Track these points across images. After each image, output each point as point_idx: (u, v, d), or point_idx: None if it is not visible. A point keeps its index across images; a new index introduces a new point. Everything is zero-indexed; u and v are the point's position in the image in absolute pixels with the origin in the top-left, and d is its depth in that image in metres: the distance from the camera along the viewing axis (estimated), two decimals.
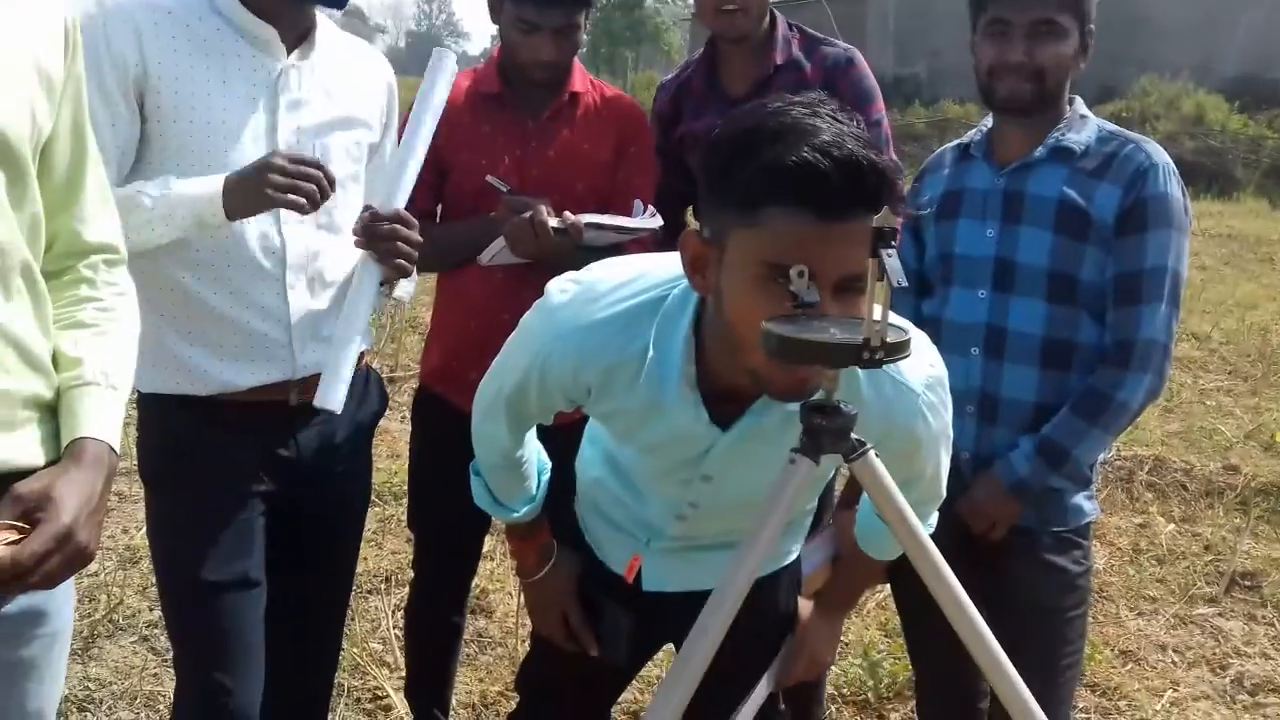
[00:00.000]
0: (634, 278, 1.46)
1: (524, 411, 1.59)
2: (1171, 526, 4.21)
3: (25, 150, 1.23)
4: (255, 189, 1.65)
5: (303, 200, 1.66)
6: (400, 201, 1.85)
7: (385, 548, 3.77)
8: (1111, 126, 2.02)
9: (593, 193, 2.31)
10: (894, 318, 1.41)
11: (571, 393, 1.50)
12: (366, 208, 1.85)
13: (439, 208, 2.38)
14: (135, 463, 1.93)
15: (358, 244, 1.83)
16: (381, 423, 2.21)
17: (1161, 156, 1.95)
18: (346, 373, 1.79)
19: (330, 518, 2.03)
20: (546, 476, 1.82)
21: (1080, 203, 1.92)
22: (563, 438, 1.86)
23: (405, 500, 4.01)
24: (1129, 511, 4.37)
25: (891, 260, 0.98)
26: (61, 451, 1.26)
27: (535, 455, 1.79)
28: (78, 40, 1.34)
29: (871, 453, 1.17)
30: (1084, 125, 2.00)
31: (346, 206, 1.89)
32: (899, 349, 1.03)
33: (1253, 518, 4.24)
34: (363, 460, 2.10)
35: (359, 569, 3.44)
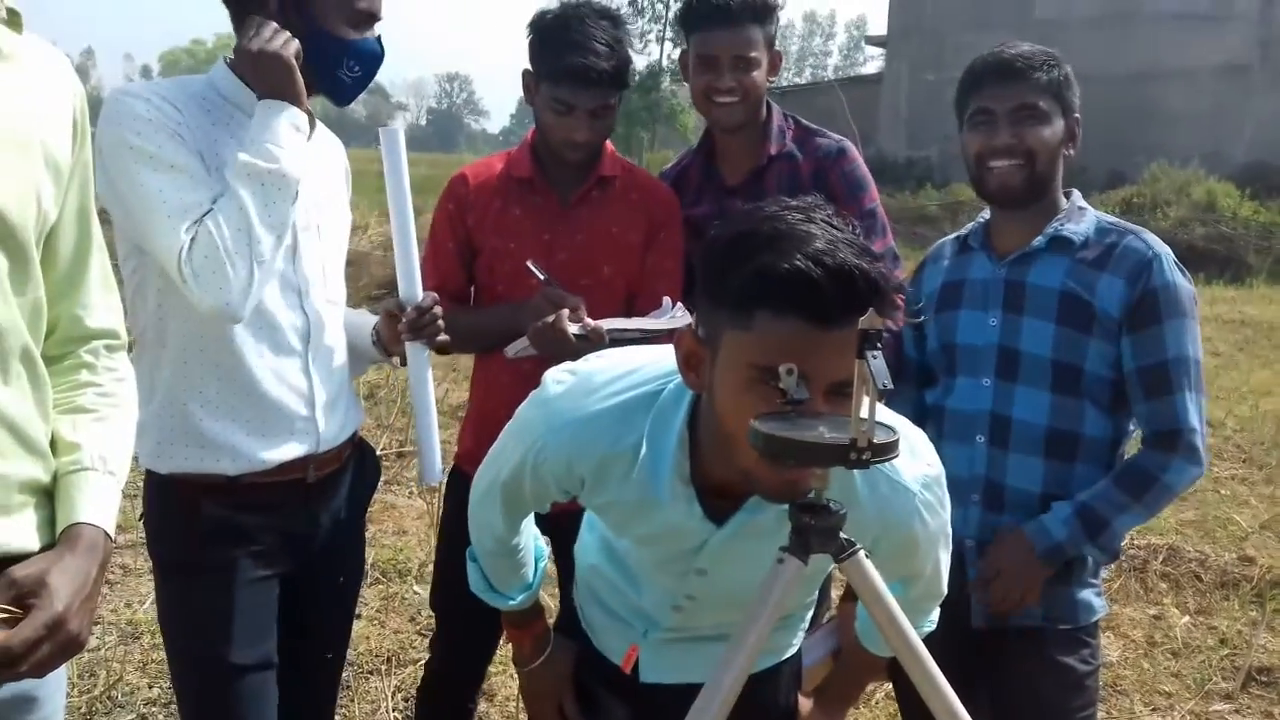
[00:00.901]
0: (630, 370, 1.47)
1: (519, 500, 1.59)
2: (1186, 619, 4.13)
3: (29, 235, 1.25)
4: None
5: None
6: (419, 288, 1.96)
7: (388, 626, 3.73)
8: (1110, 218, 2.04)
9: (621, 276, 2.33)
10: (887, 415, 1.41)
11: (566, 484, 1.50)
12: (400, 306, 1.98)
13: (472, 289, 2.40)
14: (140, 535, 1.93)
15: (406, 338, 1.97)
16: (389, 498, 2.23)
17: (1161, 246, 1.96)
18: (437, 445, 2.04)
19: (331, 592, 2.03)
20: (544, 564, 1.81)
21: (1083, 294, 1.94)
22: (563, 525, 1.86)
23: (410, 577, 4.01)
24: (1143, 602, 4.29)
25: (877, 362, 0.98)
26: (57, 536, 1.26)
27: (532, 542, 1.78)
28: (86, 128, 1.37)
29: (861, 553, 1.16)
30: (1082, 217, 2.02)
31: (340, 280, 1.96)
32: (887, 450, 1.03)
33: (1269, 610, 4.16)
34: (359, 534, 2.12)
35: (360, 648, 3.44)
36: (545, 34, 2.23)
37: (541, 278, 2.20)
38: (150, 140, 1.65)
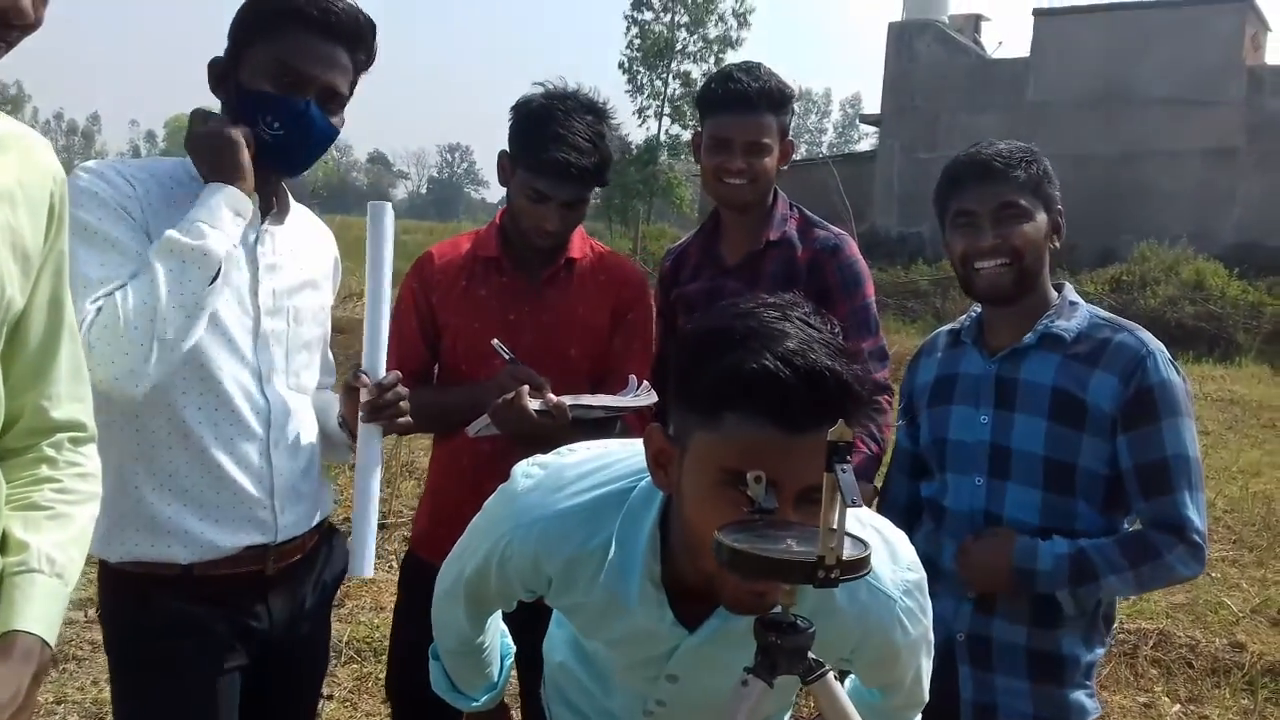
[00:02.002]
0: (602, 466, 1.43)
1: (484, 598, 1.54)
2: (1177, 707, 4.04)
3: None
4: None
5: None
6: (383, 365, 1.88)
7: (360, 709, 3.63)
8: (1103, 314, 2.02)
9: (587, 358, 2.31)
10: (866, 518, 1.36)
11: (531, 583, 1.45)
12: (358, 374, 1.85)
13: (435, 368, 2.38)
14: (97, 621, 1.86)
15: (364, 419, 1.84)
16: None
17: (1155, 344, 1.94)
18: (372, 538, 1.86)
19: (293, 680, 1.97)
20: (510, 662, 1.75)
21: (1075, 391, 1.92)
22: (532, 619, 1.80)
23: (385, 656, 3.92)
24: (1133, 689, 4.21)
25: (846, 476, 0.94)
26: None
27: (498, 640, 1.73)
28: (64, 215, 1.33)
29: (830, 675, 1.11)
30: (1074, 312, 2.00)
31: (311, 368, 1.92)
32: (857, 566, 0.98)
33: (1260, 699, 4.08)
34: (325, 622, 2.06)
35: None
36: (527, 121, 2.22)
37: (507, 357, 2.18)
38: (91, 214, 1.63)
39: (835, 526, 0.96)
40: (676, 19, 30.65)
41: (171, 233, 1.64)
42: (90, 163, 1.76)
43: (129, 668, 1.80)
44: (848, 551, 0.98)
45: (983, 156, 1.98)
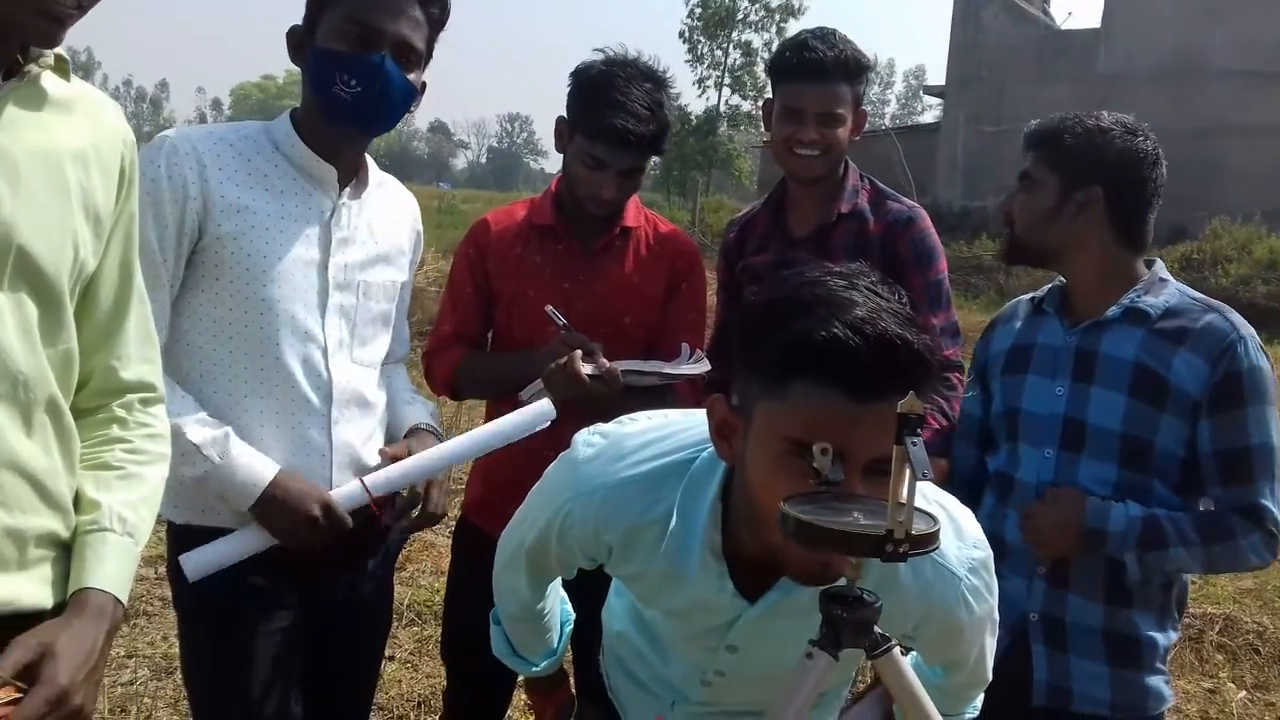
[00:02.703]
0: (663, 436, 1.42)
1: (544, 566, 1.55)
2: (1243, 694, 3.97)
3: (63, 285, 1.23)
4: (278, 522, 1.73)
5: (313, 543, 1.74)
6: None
7: (421, 670, 3.69)
8: (1194, 293, 1.98)
9: (641, 326, 2.31)
10: (931, 494, 1.34)
11: (592, 551, 1.46)
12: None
13: (490, 335, 2.39)
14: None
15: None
16: (429, 536, 2.21)
17: (1247, 329, 1.90)
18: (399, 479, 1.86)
19: (356, 642, 2.01)
20: (569, 629, 1.76)
21: (1157, 368, 1.88)
22: (591, 586, 1.80)
23: (424, 624, 3.97)
24: (1198, 674, 4.14)
25: (917, 449, 0.93)
26: (67, 598, 1.24)
27: (558, 606, 1.74)
28: (134, 178, 1.35)
29: (896, 650, 1.09)
30: (1163, 288, 1.96)
31: (379, 341, 1.93)
32: (926, 541, 0.97)
33: None
34: (387, 585, 2.09)
35: (392, 692, 3.39)
36: (587, 88, 2.21)
37: (560, 323, 2.18)
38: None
39: (905, 500, 0.95)
40: None
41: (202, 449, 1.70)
42: (170, 131, 1.79)
43: (195, 624, 1.84)
44: (917, 526, 0.97)
45: (1033, 125, 2.04)
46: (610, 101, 2.14)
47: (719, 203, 24.22)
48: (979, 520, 1.90)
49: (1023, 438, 2.00)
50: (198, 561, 1.73)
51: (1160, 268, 2.02)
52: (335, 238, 1.82)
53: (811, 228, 2.41)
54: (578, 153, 2.21)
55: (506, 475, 2.25)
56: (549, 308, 2.20)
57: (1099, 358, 1.93)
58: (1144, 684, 1.93)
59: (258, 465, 1.72)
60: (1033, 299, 2.12)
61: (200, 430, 1.69)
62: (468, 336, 2.33)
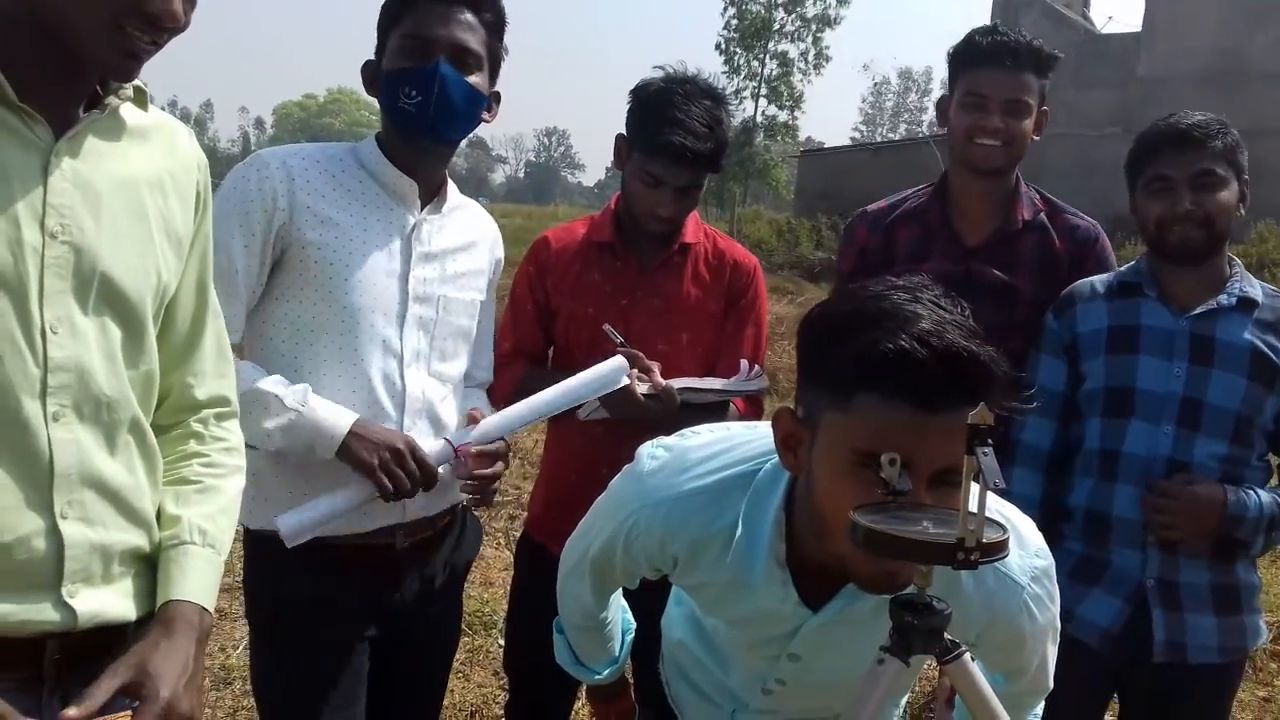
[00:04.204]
0: (727, 449, 1.44)
1: (608, 576, 1.57)
2: None
3: (146, 308, 1.28)
4: (367, 457, 1.74)
5: (390, 489, 1.75)
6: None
7: (473, 680, 3.72)
8: (1269, 285, 2.16)
9: (699, 343, 2.30)
10: (996, 505, 1.35)
11: (657, 562, 1.48)
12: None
13: (550, 351, 2.41)
14: (237, 579, 1.94)
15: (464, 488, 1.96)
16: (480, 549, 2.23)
17: None
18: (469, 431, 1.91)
19: (422, 658, 2.03)
20: (630, 637, 1.78)
21: (1269, 353, 2.05)
22: (651, 596, 1.83)
23: (495, 630, 4.00)
24: (1252, 683, 4.08)
25: (988, 460, 0.94)
26: (155, 612, 1.28)
27: (620, 616, 1.76)
28: (208, 201, 1.40)
29: (967, 655, 1.11)
30: (1250, 280, 2.12)
31: (456, 358, 1.96)
32: (996, 549, 0.98)
33: None
34: (455, 602, 2.12)
35: (445, 701, 3.43)
36: (645, 105, 2.21)
37: (618, 341, 2.19)
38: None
39: (975, 509, 0.96)
40: None
41: (284, 399, 1.74)
42: (263, 150, 1.86)
43: (265, 632, 1.88)
44: (987, 535, 0.98)
45: (1182, 125, 2.08)
46: (668, 118, 2.13)
47: (756, 213, 24.18)
48: (1079, 497, 2.01)
49: (1136, 414, 2.10)
50: (294, 524, 1.74)
51: (1238, 261, 2.16)
52: (416, 251, 1.87)
53: (986, 235, 2.33)
54: (636, 170, 2.21)
55: (567, 492, 2.27)
56: (606, 326, 2.21)
57: (1216, 343, 2.06)
58: (1244, 624, 2.11)
59: (338, 411, 1.76)
60: (1111, 281, 2.19)
61: (278, 385, 1.74)
62: (527, 353, 2.34)
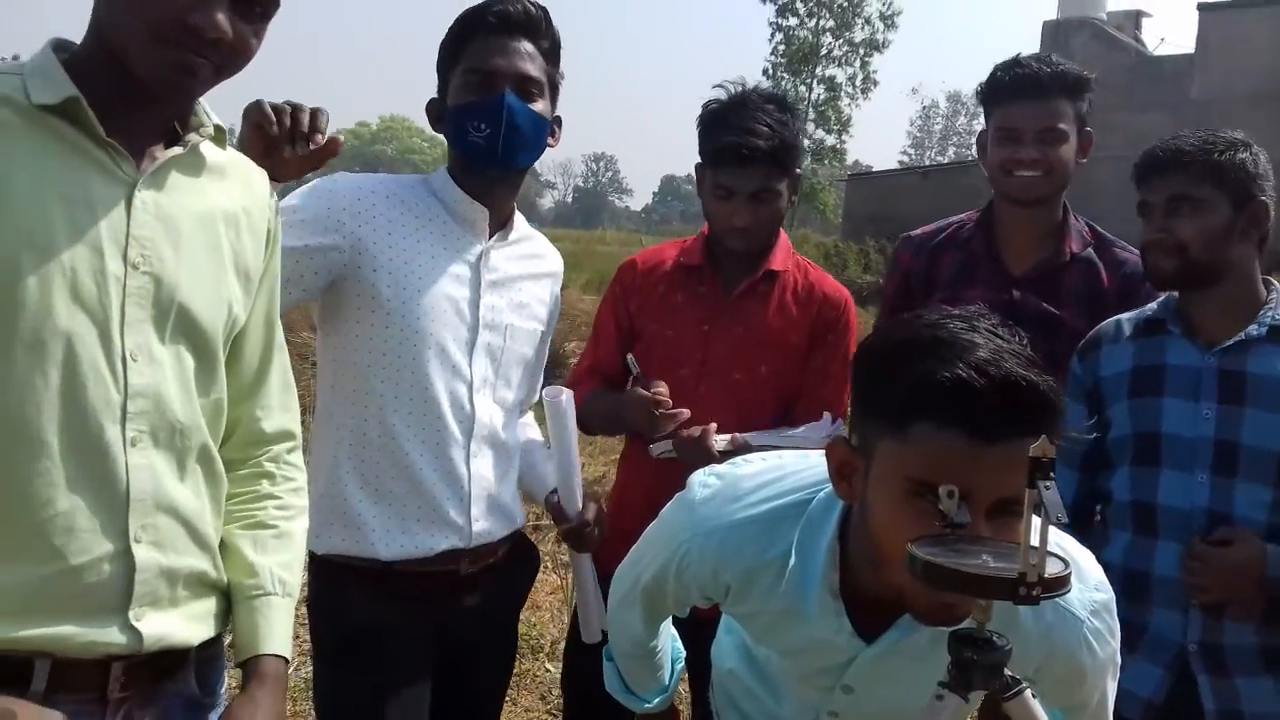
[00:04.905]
0: (779, 478, 1.43)
1: (659, 604, 1.56)
2: None
3: (218, 339, 1.32)
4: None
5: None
6: (578, 502, 2.02)
7: (520, 704, 3.72)
8: None
9: (778, 375, 2.24)
10: (1061, 540, 1.33)
11: (709, 591, 1.47)
12: (558, 507, 2.03)
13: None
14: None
15: (572, 548, 2.06)
16: None
17: None
18: (597, 614, 2.08)
19: (480, 683, 2.03)
20: (680, 666, 1.77)
21: None
22: (699, 626, 1.82)
23: (542, 654, 3.99)
24: None
25: (1050, 493, 0.93)
26: (241, 661, 1.35)
27: (670, 644, 1.75)
28: (278, 238, 1.45)
29: (1028, 692, 1.09)
30: None
31: (518, 386, 1.98)
32: (1059, 585, 0.96)
33: None
34: (512, 629, 2.12)
35: None
36: (708, 120, 2.22)
37: (635, 372, 2.20)
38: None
39: (1037, 543, 0.95)
40: (821, 24, 30.39)
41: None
42: (338, 175, 1.89)
43: (328, 655, 1.89)
44: (1049, 569, 0.96)
45: (1159, 149, 1.97)
46: (728, 125, 2.14)
47: (804, 236, 24.14)
48: (1114, 553, 1.85)
49: (1166, 463, 1.95)
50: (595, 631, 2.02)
51: (1278, 286, 2.00)
52: (485, 279, 1.89)
53: (1030, 265, 2.30)
54: (709, 188, 2.20)
55: (630, 520, 2.27)
56: (629, 356, 2.22)
57: (1248, 378, 1.90)
58: None
59: None
60: (1137, 319, 2.07)
61: None
62: (603, 372, 2.34)
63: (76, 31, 1.27)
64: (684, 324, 2.25)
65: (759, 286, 2.25)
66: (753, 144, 2.10)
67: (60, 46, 1.24)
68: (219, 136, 1.34)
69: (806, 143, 30.09)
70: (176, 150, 1.27)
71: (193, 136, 1.29)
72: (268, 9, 1.26)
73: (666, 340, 2.26)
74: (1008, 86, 2.25)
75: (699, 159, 2.26)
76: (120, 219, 1.20)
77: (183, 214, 1.27)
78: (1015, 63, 2.27)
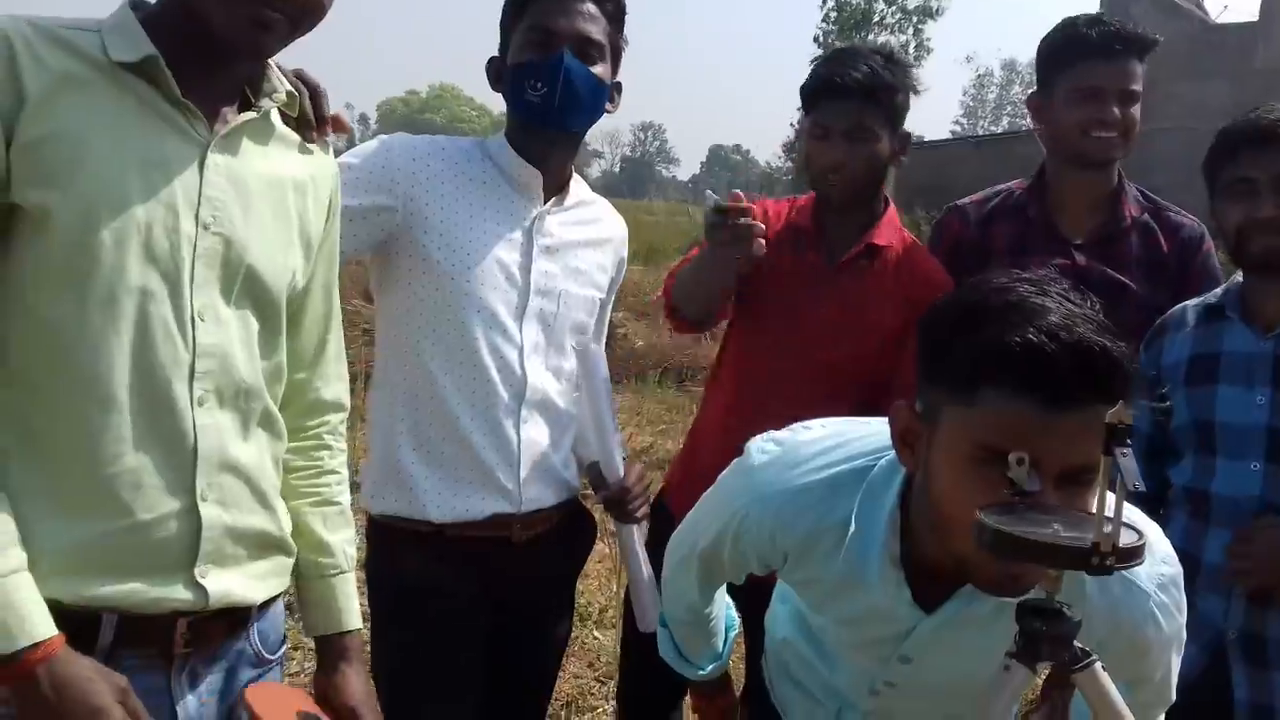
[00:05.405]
0: (840, 444, 1.42)
1: (716, 570, 1.56)
2: None
3: (281, 302, 1.33)
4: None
5: None
6: (619, 468, 1.97)
7: (568, 670, 3.73)
8: None
9: (868, 360, 2.13)
10: (1130, 513, 1.30)
11: (767, 557, 1.46)
12: (597, 474, 1.97)
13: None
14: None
15: (615, 519, 1.99)
16: None
17: None
18: (653, 602, 1.97)
19: (536, 651, 2.04)
20: (735, 634, 1.76)
21: None
22: (754, 594, 1.80)
23: (590, 622, 4.01)
24: None
25: (1127, 460, 0.90)
26: (325, 634, 1.46)
27: (724, 612, 1.74)
28: (338, 207, 1.46)
29: (1098, 664, 1.07)
30: None
31: (571, 354, 1.95)
32: (1133, 555, 0.94)
33: None
34: (568, 596, 2.12)
35: None
36: (814, 68, 2.19)
37: (710, 203, 2.00)
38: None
39: (1112, 512, 0.92)
40: None
41: None
42: (395, 136, 1.89)
43: (382, 617, 1.91)
44: (1123, 539, 0.94)
45: (1264, 122, 1.86)
46: (830, 64, 2.13)
47: None
48: (1172, 538, 1.83)
49: (1221, 451, 1.90)
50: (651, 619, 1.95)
51: None
52: (538, 244, 1.88)
53: (1092, 232, 2.25)
54: (808, 131, 2.15)
55: (705, 463, 2.19)
56: (707, 191, 2.08)
57: None
58: None
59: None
60: (1202, 305, 2.02)
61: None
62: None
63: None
64: (781, 289, 2.17)
65: (860, 260, 2.16)
66: (847, 75, 2.06)
67: (136, 4, 1.24)
68: (290, 102, 1.34)
69: None
70: (250, 114, 1.28)
71: (265, 102, 1.30)
72: None
73: (761, 299, 2.18)
74: (1095, 43, 2.17)
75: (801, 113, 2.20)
76: (193, 179, 1.21)
77: (253, 178, 1.28)
78: (1099, 20, 2.20)
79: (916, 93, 2.18)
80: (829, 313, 2.13)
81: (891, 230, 2.20)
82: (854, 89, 2.06)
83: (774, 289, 2.17)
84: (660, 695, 2.30)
